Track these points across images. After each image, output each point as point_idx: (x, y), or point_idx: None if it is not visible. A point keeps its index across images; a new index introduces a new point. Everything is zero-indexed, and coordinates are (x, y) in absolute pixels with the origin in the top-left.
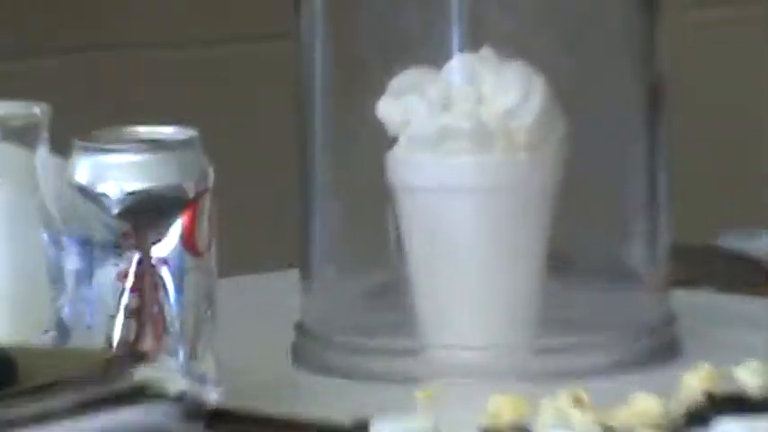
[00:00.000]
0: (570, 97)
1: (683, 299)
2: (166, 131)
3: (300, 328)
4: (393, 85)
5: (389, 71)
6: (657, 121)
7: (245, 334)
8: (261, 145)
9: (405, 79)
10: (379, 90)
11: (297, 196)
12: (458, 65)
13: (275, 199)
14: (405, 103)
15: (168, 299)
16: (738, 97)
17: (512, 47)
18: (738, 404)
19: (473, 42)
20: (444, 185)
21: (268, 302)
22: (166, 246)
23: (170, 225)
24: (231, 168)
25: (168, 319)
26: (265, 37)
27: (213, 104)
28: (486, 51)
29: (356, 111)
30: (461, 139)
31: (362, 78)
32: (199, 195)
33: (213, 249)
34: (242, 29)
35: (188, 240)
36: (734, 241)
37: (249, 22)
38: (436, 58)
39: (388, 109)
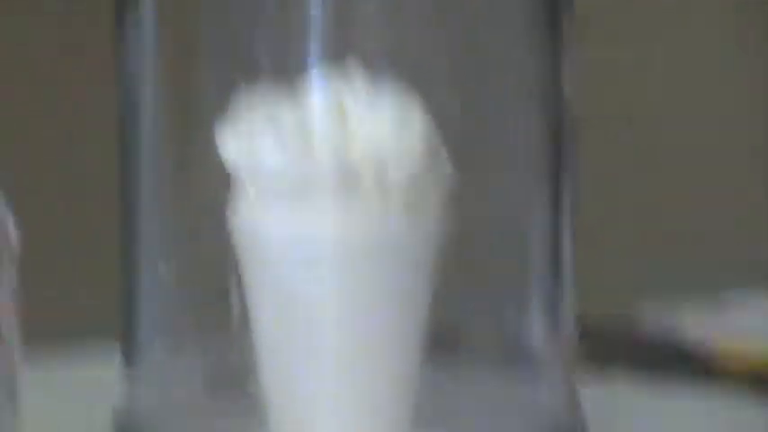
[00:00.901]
0: (455, 138)
1: (592, 387)
2: None
3: (120, 421)
4: (236, 111)
5: (231, 94)
6: (562, 169)
7: None
8: (75, 196)
9: (251, 105)
10: (219, 119)
11: (118, 258)
12: (319, 90)
13: (91, 264)
14: (250, 136)
15: None
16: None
17: (383, 65)
18: None
19: (334, 54)
20: (300, 239)
21: (83, 392)
22: None
23: None
24: (38, 226)
25: None
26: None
27: (17, 146)
28: (359, 77)
29: (194, 148)
30: (320, 185)
31: (199, 105)
32: None
33: (16, 330)
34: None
35: None
36: (656, 316)
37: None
38: (286, 72)
39: (229, 142)
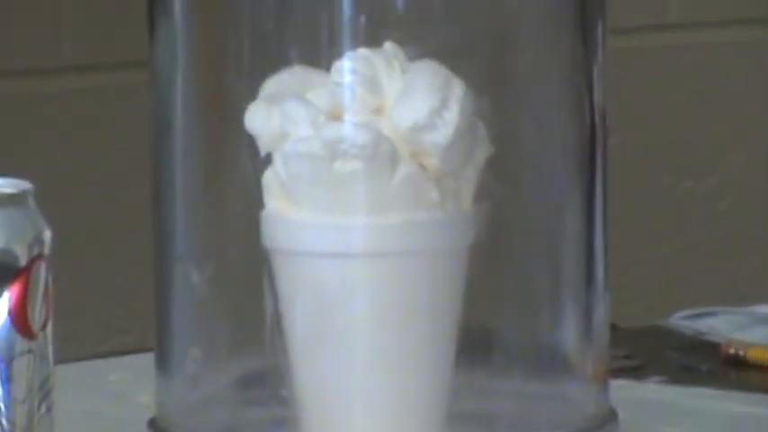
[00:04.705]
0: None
1: (626, 390)
2: None
3: (156, 426)
4: (267, 87)
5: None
6: (594, 168)
7: None
8: (107, 200)
9: (282, 81)
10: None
11: (151, 263)
12: (351, 63)
13: (124, 267)
14: (281, 111)
15: None
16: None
17: (422, 45)
18: None
19: (372, 38)
20: (332, 250)
21: (116, 394)
22: None
23: None
24: (71, 230)
25: None
26: (114, 66)
27: (49, 150)
28: (390, 47)
29: (226, 151)
30: (355, 159)
31: (231, 108)
32: (32, 262)
33: (49, 329)
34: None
35: (18, 318)
36: (686, 322)
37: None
38: (323, 56)
39: (260, 118)
